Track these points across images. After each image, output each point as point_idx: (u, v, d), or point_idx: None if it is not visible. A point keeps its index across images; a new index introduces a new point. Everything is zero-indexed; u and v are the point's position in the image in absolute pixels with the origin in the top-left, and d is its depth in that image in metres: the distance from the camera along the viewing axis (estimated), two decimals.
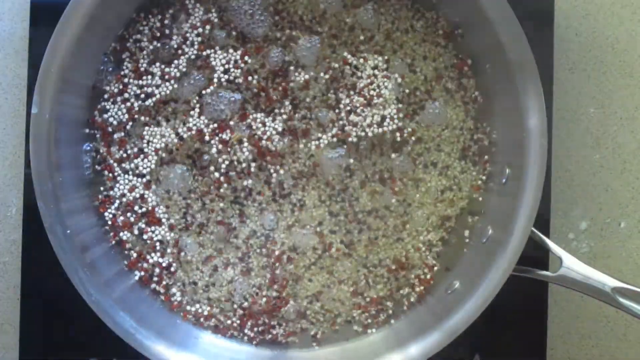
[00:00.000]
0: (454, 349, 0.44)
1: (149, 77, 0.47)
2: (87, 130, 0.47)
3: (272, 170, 0.47)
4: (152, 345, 0.44)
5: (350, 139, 0.47)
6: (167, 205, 0.47)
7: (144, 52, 0.47)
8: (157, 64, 0.46)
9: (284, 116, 0.47)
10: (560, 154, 0.51)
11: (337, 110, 0.47)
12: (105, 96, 0.47)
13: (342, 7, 0.47)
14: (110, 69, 0.47)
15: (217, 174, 0.47)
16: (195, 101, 0.46)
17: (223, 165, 0.47)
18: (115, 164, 0.47)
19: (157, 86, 0.47)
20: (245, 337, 0.48)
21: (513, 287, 0.43)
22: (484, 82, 0.47)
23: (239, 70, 0.46)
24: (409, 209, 0.48)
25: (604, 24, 0.51)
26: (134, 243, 0.47)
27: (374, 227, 0.48)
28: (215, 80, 0.46)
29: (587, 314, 0.51)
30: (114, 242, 0.47)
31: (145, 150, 0.47)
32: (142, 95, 0.47)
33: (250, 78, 0.46)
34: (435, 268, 0.49)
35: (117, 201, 0.47)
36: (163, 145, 0.47)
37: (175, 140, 0.47)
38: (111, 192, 0.47)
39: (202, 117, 0.46)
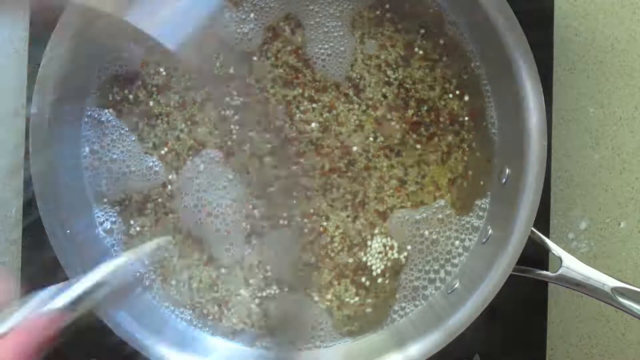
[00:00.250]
0: (454, 349, 0.44)
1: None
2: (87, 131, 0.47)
3: None
4: (152, 345, 0.44)
5: None
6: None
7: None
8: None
9: None
10: (560, 154, 0.51)
11: None
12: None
13: None
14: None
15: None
16: None
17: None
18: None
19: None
20: (245, 340, 0.48)
21: (513, 287, 0.43)
22: (483, 82, 0.47)
23: None
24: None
25: (604, 24, 0.51)
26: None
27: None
28: None
29: (587, 314, 0.51)
30: (114, 241, 0.47)
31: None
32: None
33: None
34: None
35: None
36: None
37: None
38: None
39: None
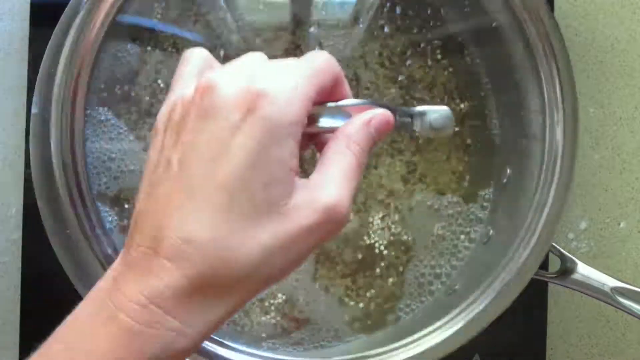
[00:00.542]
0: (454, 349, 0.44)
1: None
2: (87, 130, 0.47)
3: None
4: None
5: None
6: None
7: None
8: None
9: None
10: None
11: None
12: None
13: None
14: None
15: None
16: None
17: None
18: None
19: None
20: (245, 341, 0.48)
21: None
22: (484, 81, 0.47)
23: None
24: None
25: (604, 24, 0.51)
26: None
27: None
28: None
29: (587, 314, 0.51)
30: (114, 241, 0.47)
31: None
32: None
33: None
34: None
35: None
36: None
37: None
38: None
39: None
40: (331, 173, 0.27)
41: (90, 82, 0.46)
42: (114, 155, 0.47)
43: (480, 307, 0.43)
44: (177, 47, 0.47)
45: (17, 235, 0.50)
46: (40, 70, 0.42)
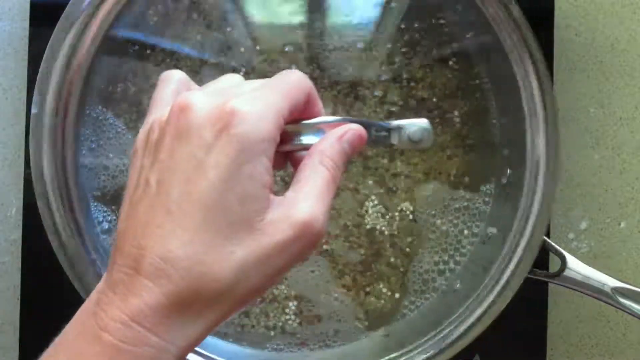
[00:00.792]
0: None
1: None
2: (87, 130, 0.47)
3: None
4: None
5: None
6: None
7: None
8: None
9: None
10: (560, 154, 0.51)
11: None
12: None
13: None
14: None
15: None
16: None
17: None
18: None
19: None
20: (245, 341, 0.48)
21: None
22: (485, 81, 0.47)
23: None
24: None
25: (604, 23, 0.51)
26: None
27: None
28: None
29: (587, 314, 0.51)
30: (113, 241, 0.47)
31: None
32: None
33: None
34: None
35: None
36: None
37: None
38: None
39: None
40: (306, 189, 0.28)
41: (90, 82, 0.46)
42: (112, 155, 0.47)
43: (477, 313, 0.43)
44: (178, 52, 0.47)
45: (17, 235, 0.50)
46: (40, 70, 0.42)
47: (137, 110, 0.47)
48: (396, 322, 0.48)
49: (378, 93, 0.48)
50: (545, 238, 0.44)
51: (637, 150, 0.51)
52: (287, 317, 0.48)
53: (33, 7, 0.49)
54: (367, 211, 0.48)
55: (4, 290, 0.51)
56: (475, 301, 0.44)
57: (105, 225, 0.47)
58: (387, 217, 0.48)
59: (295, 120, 0.30)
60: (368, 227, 0.48)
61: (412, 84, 0.48)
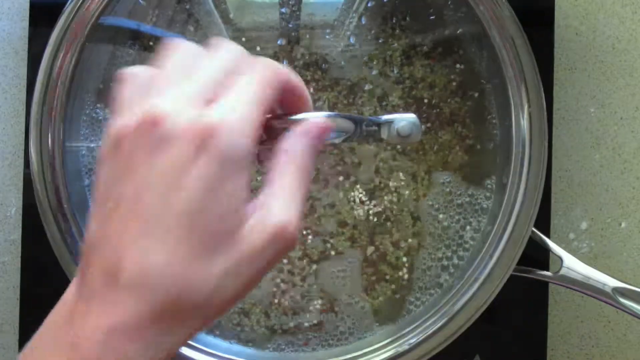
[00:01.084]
0: (454, 349, 0.44)
1: None
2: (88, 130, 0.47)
3: None
4: None
5: None
6: None
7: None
8: None
9: None
10: (560, 154, 0.51)
11: None
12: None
13: None
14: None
15: None
16: None
17: None
18: None
19: None
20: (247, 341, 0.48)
21: (513, 287, 0.43)
22: (484, 81, 0.47)
23: None
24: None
25: (605, 23, 0.51)
26: None
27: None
28: None
29: (588, 314, 0.51)
30: None
31: None
32: None
33: None
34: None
35: None
36: None
37: None
38: None
39: None
40: (277, 192, 0.27)
41: (90, 82, 0.46)
42: None
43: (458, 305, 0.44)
44: None
45: (17, 235, 0.50)
46: (40, 70, 0.42)
47: None
48: (401, 319, 0.48)
49: (378, 93, 0.48)
50: (546, 238, 0.44)
51: (638, 150, 0.51)
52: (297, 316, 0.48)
53: (32, 7, 0.49)
54: (368, 210, 0.48)
55: (4, 290, 0.51)
56: (457, 293, 0.44)
57: None
58: (387, 215, 0.48)
59: (283, 114, 0.29)
60: (370, 225, 0.48)
61: (412, 84, 0.48)
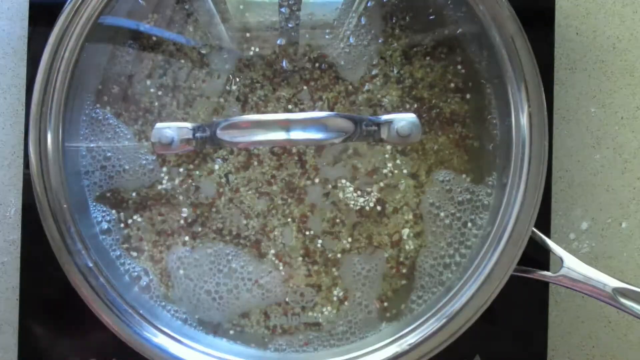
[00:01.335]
0: (455, 349, 0.44)
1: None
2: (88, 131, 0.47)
3: None
4: (152, 337, 0.44)
5: None
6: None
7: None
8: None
9: None
10: (560, 154, 0.51)
11: None
12: None
13: None
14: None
15: None
16: None
17: None
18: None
19: None
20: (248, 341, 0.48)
21: (514, 288, 0.43)
22: (484, 81, 0.47)
23: None
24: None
25: (605, 23, 0.51)
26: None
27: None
28: None
29: (588, 315, 0.51)
30: (112, 241, 0.47)
31: None
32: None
33: None
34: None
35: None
36: None
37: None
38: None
39: None
40: None
41: (90, 82, 0.46)
42: (109, 154, 0.47)
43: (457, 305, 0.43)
44: (176, 46, 0.47)
45: (16, 235, 0.50)
46: (39, 69, 0.42)
47: (136, 110, 0.47)
48: (402, 319, 0.48)
49: (378, 93, 0.48)
50: (546, 238, 0.44)
51: (639, 150, 0.51)
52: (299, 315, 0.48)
53: (32, 6, 0.49)
54: (368, 210, 0.48)
55: (4, 290, 0.51)
56: (457, 293, 0.44)
57: (104, 225, 0.47)
58: (387, 214, 0.48)
59: None
60: (369, 224, 0.48)
61: (412, 83, 0.48)
